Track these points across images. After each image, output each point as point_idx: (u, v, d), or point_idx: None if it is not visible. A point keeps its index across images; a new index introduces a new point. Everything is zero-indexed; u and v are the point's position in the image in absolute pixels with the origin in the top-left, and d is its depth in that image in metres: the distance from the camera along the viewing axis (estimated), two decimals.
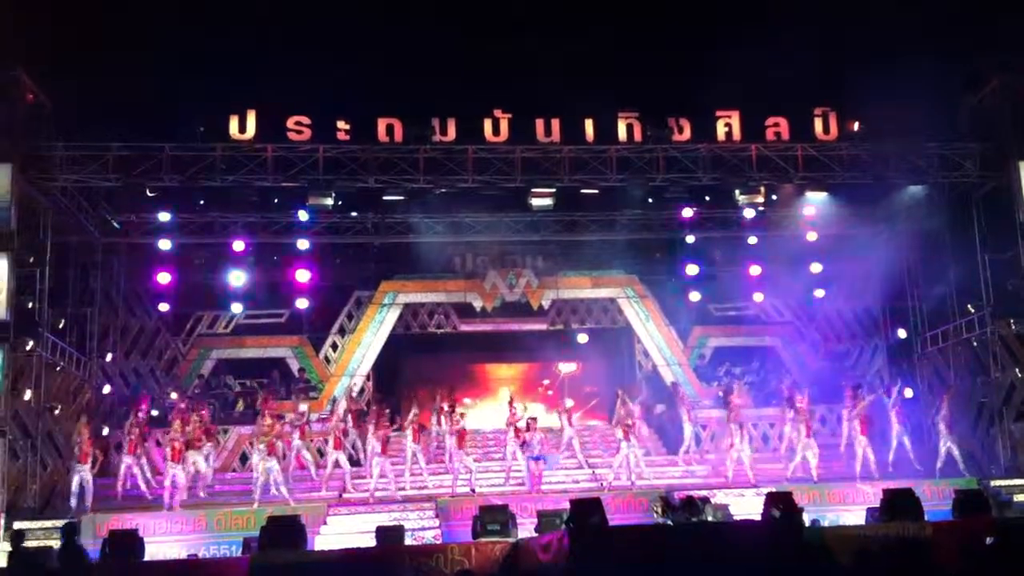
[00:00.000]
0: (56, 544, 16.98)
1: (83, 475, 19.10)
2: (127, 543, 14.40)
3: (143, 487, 19.91)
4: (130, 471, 19.83)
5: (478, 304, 26.23)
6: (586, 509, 13.93)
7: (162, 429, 20.72)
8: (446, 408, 21.31)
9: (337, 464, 20.45)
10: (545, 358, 26.17)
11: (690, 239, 25.11)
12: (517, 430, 20.70)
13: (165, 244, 23.43)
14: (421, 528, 18.13)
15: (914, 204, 23.28)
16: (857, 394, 21.22)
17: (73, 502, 18.93)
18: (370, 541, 15.68)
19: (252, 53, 22.01)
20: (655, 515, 16.31)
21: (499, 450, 23.19)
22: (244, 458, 22.69)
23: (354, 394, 24.09)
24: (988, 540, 10.04)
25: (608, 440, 23.99)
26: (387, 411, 21.20)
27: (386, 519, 17.73)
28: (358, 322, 25.91)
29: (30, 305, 19.85)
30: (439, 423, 21.71)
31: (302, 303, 24.45)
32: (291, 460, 20.85)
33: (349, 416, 21.55)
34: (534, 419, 20.81)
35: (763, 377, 25.84)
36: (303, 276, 23.85)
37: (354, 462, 21.40)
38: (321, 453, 22.24)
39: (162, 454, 20.28)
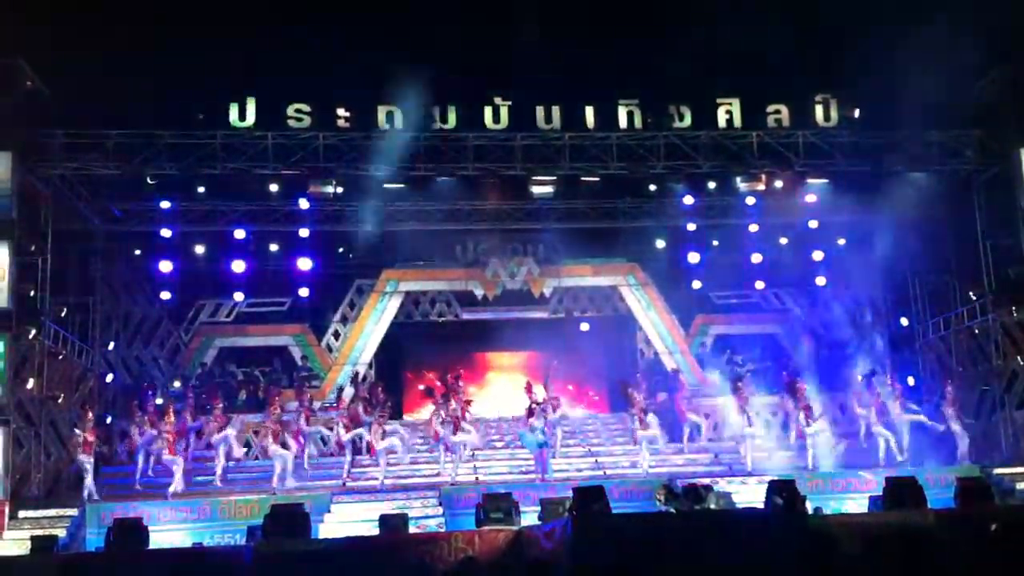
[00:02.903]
0: (62, 532, 17.11)
1: (87, 465, 19.14)
2: (132, 532, 14.41)
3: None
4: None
5: (479, 292, 26.24)
6: (589, 497, 13.94)
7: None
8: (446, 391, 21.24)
9: (355, 451, 20.50)
10: (547, 346, 26.15)
11: (691, 226, 25.10)
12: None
13: (166, 232, 23.44)
14: (425, 516, 18.14)
15: (915, 191, 23.23)
16: (872, 382, 21.28)
17: (85, 493, 18.96)
18: (374, 529, 15.69)
19: (251, 40, 21.92)
20: (658, 503, 16.32)
21: (502, 439, 23.27)
22: (247, 446, 22.71)
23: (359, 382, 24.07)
24: (992, 528, 10.07)
25: (611, 429, 24.09)
26: (388, 403, 21.24)
27: (390, 507, 17.74)
28: (360, 310, 25.94)
29: (32, 293, 19.84)
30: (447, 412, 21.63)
31: (304, 291, 24.51)
32: (306, 448, 20.97)
33: (361, 404, 21.44)
34: (539, 404, 20.80)
35: (765, 365, 25.85)
36: (304, 264, 23.88)
37: (357, 451, 21.40)
38: (324, 442, 22.35)
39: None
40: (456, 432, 20.10)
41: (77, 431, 19.58)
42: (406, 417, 25.30)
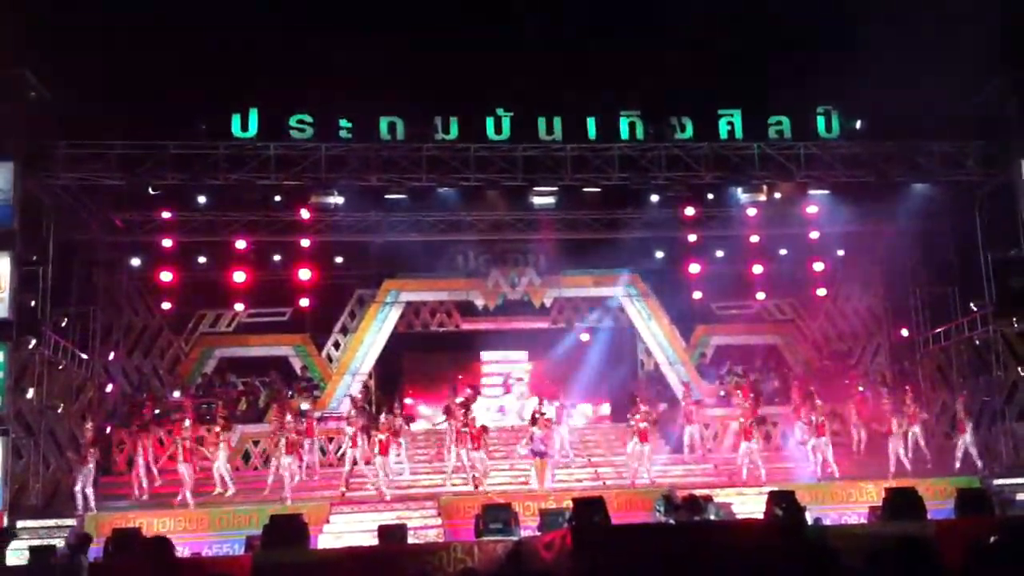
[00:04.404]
0: (60, 543, 17.06)
1: (86, 476, 19.14)
2: (130, 542, 14.41)
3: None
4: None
5: (480, 302, 26.22)
6: (589, 508, 13.94)
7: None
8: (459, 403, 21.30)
9: (355, 461, 20.48)
10: (547, 356, 26.14)
11: (692, 237, 25.09)
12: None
13: (167, 242, 23.43)
14: (424, 527, 18.13)
15: (916, 202, 23.21)
16: (876, 393, 21.32)
17: (81, 503, 18.96)
18: (373, 540, 15.68)
19: (254, 51, 22.00)
20: (658, 514, 16.34)
21: (502, 448, 23.24)
22: (247, 456, 22.72)
23: (355, 393, 24.06)
24: (992, 539, 10.01)
25: (611, 440, 24.05)
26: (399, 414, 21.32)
27: (389, 518, 17.71)
28: (360, 320, 25.90)
29: (32, 303, 19.80)
30: (458, 419, 21.57)
31: (304, 302, 24.50)
32: (315, 456, 21.13)
33: (364, 417, 21.42)
34: (543, 415, 20.79)
35: (766, 376, 25.82)
36: (305, 275, 23.88)
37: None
38: (323, 452, 22.34)
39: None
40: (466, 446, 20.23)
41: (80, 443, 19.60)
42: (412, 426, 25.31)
